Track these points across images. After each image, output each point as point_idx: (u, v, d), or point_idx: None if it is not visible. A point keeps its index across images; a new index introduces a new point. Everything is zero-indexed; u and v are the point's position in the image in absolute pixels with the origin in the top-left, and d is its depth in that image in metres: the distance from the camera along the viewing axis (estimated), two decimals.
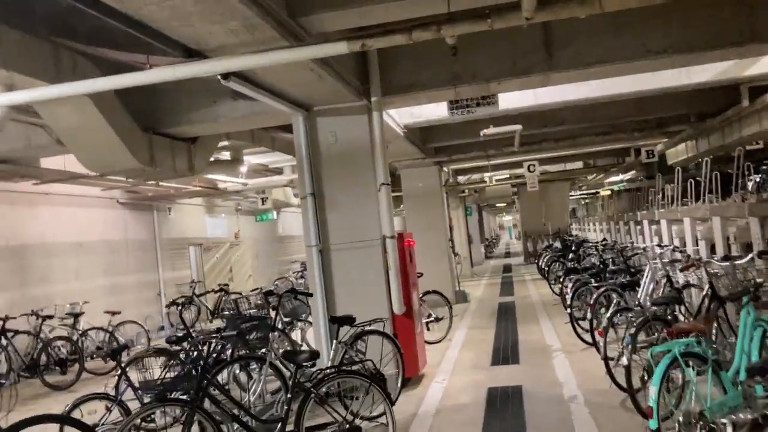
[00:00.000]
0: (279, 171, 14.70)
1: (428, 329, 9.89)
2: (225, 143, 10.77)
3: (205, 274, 18.08)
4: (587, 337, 8.37)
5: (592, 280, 9.11)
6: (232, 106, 7.55)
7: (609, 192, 27.48)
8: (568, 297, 9.13)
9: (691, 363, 3.95)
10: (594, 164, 21.11)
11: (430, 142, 12.72)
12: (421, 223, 15.04)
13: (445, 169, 16.12)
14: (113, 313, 11.14)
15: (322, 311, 7.19)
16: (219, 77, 5.47)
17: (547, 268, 16.46)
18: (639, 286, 6.75)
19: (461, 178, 20.85)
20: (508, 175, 20.65)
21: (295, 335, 8.64)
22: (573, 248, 14.59)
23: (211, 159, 11.04)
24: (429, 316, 9.92)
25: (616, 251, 9.82)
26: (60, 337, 9.87)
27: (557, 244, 20.02)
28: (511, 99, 9.59)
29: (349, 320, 6.00)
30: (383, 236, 7.15)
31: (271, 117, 7.70)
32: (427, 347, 9.34)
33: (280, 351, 5.96)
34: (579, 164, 21.18)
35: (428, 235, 14.96)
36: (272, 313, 7.73)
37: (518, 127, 10.04)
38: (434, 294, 10.26)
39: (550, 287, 14.42)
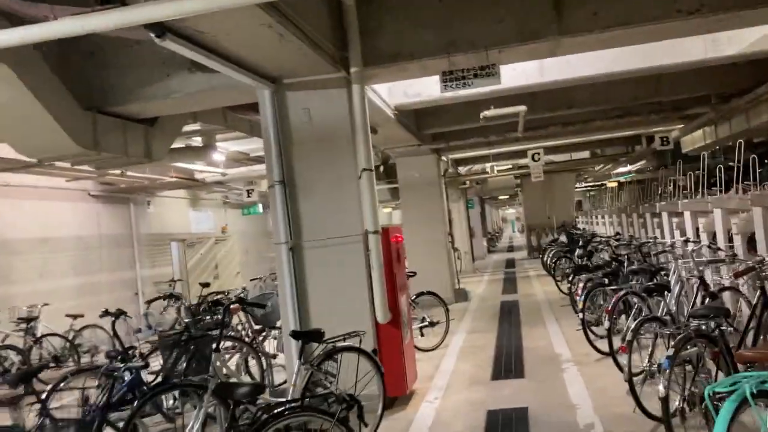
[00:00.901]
0: (261, 160, 13.59)
1: (422, 335, 8.85)
2: (196, 127, 9.69)
3: (189, 271, 17.04)
4: (602, 346, 7.31)
5: (606, 280, 8.05)
6: (187, 80, 6.46)
7: (616, 183, 26.37)
8: (579, 299, 8.07)
9: (763, 404, 2.89)
10: (602, 154, 19.98)
11: (426, 128, 11.63)
12: (418, 216, 13.98)
13: (443, 158, 15.03)
14: (75, 317, 10.10)
15: (293, 322, 6.13)
16: (152, 36, 4.40)
17: (552, 264, 15.39)
18: (668, 291, 5.64)
19: (462, 169, 19.76)
20: (510, 166, 19.56)
21: (270, 346, 7.60)
22: (581, 243, 13.50)
23: (181, 145, 9.98)
24: (423, 320, 8.86)
25: (634, 247, 8.74)
26: (6, 346, 8.82)
27: (563, 238, 18.96)
28: (515, 77, 8.52)
29: (316, 336, 4.93)
30: (365, 231, 6.08)
31: (234, 93, 6.62)
32: (420, 356, 8.30)
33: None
34: (586, 154, 20.06)
35: (426, 229, 13.90)
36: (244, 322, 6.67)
37: (522, 108, 8.95)
38: (429, 296, 9.20)
39: (557, 285, 13.36)
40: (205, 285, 14.41)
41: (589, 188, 30.09)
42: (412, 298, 8.90)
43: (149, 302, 14.30)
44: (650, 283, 5.74)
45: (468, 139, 11.42)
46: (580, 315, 7.34)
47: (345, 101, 6.19)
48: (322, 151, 6.26)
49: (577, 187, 28.82)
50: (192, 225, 17.54)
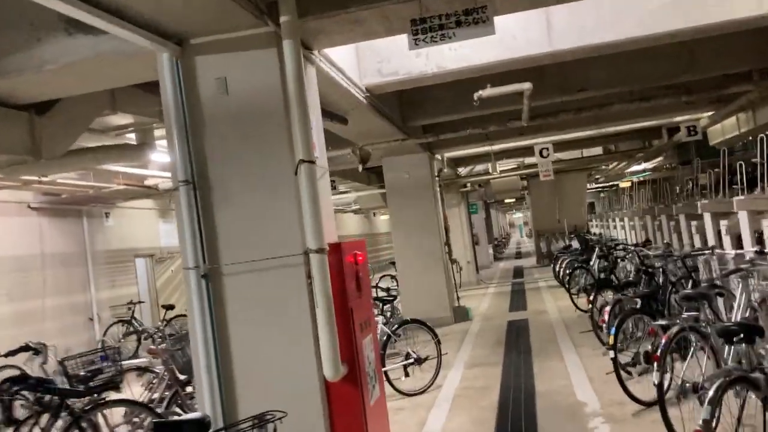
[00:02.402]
0: None
1: (406, 375, 6.99)
2: (128, 120, 7.92)
3: (159, 290, 15.24)
4: (641, 392, 5.47)
5: (638, 301, 6.20)
6: (64, 46, 4.70)
7: (629, 183, 24.45)
8: (606, 331, 6.23)
9: None
10: (616, 150, 18.09)
11: (412, 119, 9.82)
12: (409, 223, 12.16)
13: (437, 156, 13.20)
14: None
15: (207, 384, 4.30)
16: None
17: (566, 276, 13.52)
18: (760, 335, 3.70)
19: (462, 170, 17.93)
20: (515, 165, 17.72)
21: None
22: (601, 251, 11.61)
23: (109, 143, 8.18)
24: (407, 356, 7.01)
25: (678, 259, 6.85)
26: None
27: (575, 244, 17.10)
28: (517, 46, 6.72)
29: (197, 428, 3.07)
30: (306, 250, 4.26)
31: (134, 65, 4.86)
32: (404, 404, 6.48)
33: None
34: (598, 150, 18.17)
35: (418, 239, 12.08)
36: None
37: (527, 85, 7.12)
38: (415, 324, 7.35)
39: (572, 300, 11.47)
40: (170, 307, 12.64)
41: (601, 189, 28.17)
42: (393, 328, 7.06)
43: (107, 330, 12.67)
44: (731, 324, 3.87)
45: (463, 131, 9.61)
46: (610, 353, 5.45)
47: (275, 66, 4.38)
48: (246, 138, 4.45)
49: (588, 189, 26.94)
50: (162, 238, 15.74)
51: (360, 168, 9.70)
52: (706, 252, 5.83)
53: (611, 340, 5.41)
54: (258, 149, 4.43)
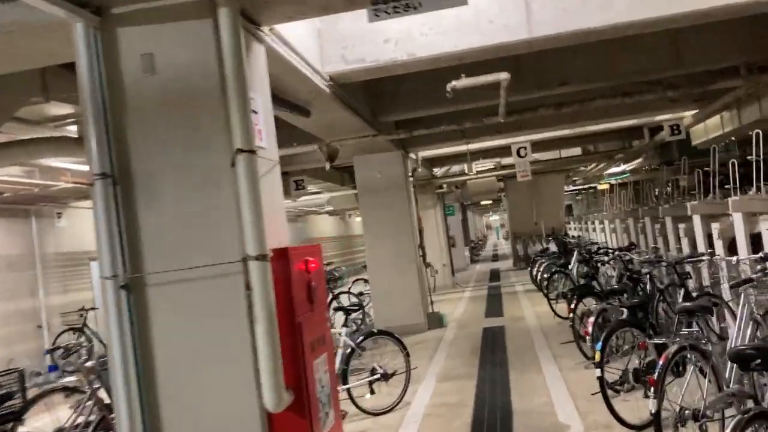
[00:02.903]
0: None
1: (372, 392, 6.35)
2: (69, 110, 7.17)
3: None
4: (628, 414, 4.91)
5: (624, 312, 5.65)
6: None
7: (607, 186, 24.14)
8: (591, 344, 5.68)
9: None
10: (595, 150, 17.68)
11: (383, 113, 9.21)
12: (381, 225, 11.54)
13: (412, 155, 12.61)
14: None
15: (126, 415, 3.62)
16: None
17: (544, 280, 13.02)
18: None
19: (438, 171, 17.38)
20: (492, 165, 17.20)
21: None
22: (581, 255, 11.10)
23: (46, 134, 7.42)
24: (372, 372, 6.37)
25: (668, 265, 6.30)
26: None
27: (553, 247, 16.65)
28: (493, 31, 6.14)
29: None
30: (245, 256, 3.60)
31: (48, 40, 4.16)
32: (368, 425, 5.87)
33: None
34: (577, 150, 17.75)
35: (390, 242, 11.47)
36: None
37: (504, 75, 6.53)
38: (383, 337, 6.73)
39: (550, 306, 10.93)
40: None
41: (578, 191, 27.85)
42: (358, 341, 6.43)
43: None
44: (746, 346, 3.29)
45: (436, 127, 9.02)
46: (596, 372, 4.87)
47: (210, 40, 3.72)
48: (176, 125, 3.78)
49: (566, 191, 26.61)
50: None
51: (327, 166, 9.06)
52: (704, 258, 5.30)
53: (597, 356, 4.84)
54: (190, 138, 3.76)
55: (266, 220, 3.72)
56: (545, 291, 11.49)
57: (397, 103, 9.13)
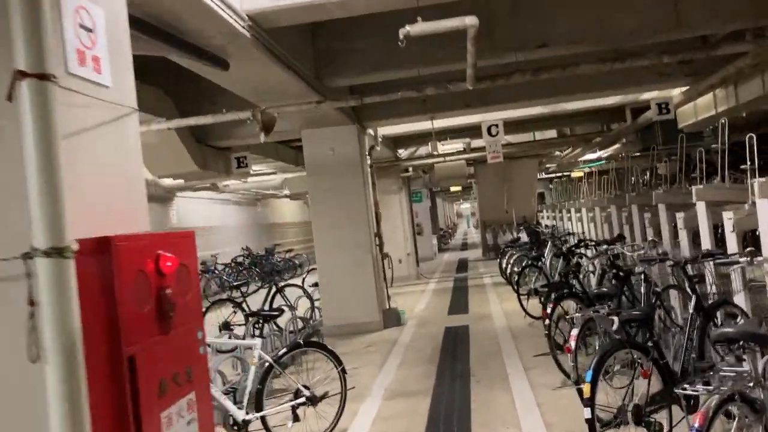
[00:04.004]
0: None
1: (296, 419, 4.97)
2: None
3: None
4: None
5: (614, 321, 4.36)
6: None
7: (581, 173, 23.06)
8: (573, 363, 4.38)
9: None
10: (572, 133, 16.48)
11: (331, 76, 7.77)
12: (332, 210, 10.15)
13: (371, 131, 11.20)
14: None
15: None
16: None
17: (514, 274, 11.82)
18: None
19: (403, 153, 16.00)
20: (462, 147, 15.89)
21: None
22: (558, 249, 9.87)
23: None
24: (297, 394, 4.98)
25: (675, 265, 4.97)
26: None
27: (524, 237, 15.46)
28: None
29: None
30: (30, 250, 2.18)
31: None
32: None
33: None
34: (552, 133, 16.51)
35: (343, 230, 10.10)
36: None
37: (470, 20, 5.12)
38: (313, 349, 5.35)
39: (521, 304, 9.66)
40: None
41: (551, 179, 26.73)
42: (280, 353, 5.03)
43: None
44: None
45: (393, 93, 7.62)
46: (585, 412, 3.55)
47: None
48: None
49: (539, 178, 25.52)
50: None
51: (262, 137, 7.60)
52: (741, 260, 4.03)
53: (586, 391, 3.53)
54: None
55: (107, 193, 2.32)
56: (515, 286, 10.24)
57: (348, 65, 7.71)
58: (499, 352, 7.71)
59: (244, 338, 5.80)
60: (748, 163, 5.87)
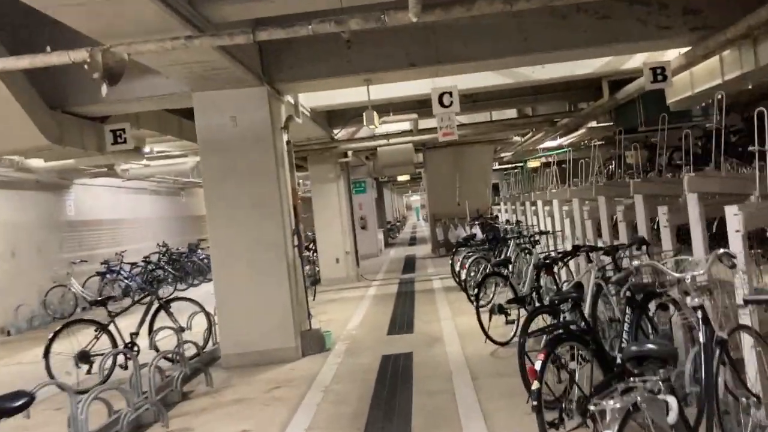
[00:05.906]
0: None
1: None
2: None
3: None
4: None
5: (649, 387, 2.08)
6: None
7: (538, 163, 21.12)
8: None
9: None
10: (534, 113, 14.32)
11: (214, 3, 5.27)
12: (232, 200, 7.65)
13: (289, 98, 8.69)
14: None
15: None
16: None
17: (470, 280, 9.64)
18: None
19: (339, 133, 13.52)
20: (409, 128, 13.54)
21: None
22: (520, 247, 7.63)
23: None
24: None
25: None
26: None
27: (479, 233, 13.30)
28: None
29: None
30: None
31: None
32: None
33: None
34: (512, 113, 14.32)
35: (248, 226, 7.61)
36: None
37: None
38: None
39: (480, 324, 7.36)
40: None
41: (506, 169, 24.72)
42: None
43: None
44: None
45: (301, 26, 5.13)
46: None
47: None
48: None
49: (494, 168, 23.53)
50: None
51: (103, 90, 5.03)
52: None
53: None
54: None
55: None
56: (474, 300, 7.92)
57: None
58: (452, 401, 5.40)
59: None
60: (756, 144, 4.40)
